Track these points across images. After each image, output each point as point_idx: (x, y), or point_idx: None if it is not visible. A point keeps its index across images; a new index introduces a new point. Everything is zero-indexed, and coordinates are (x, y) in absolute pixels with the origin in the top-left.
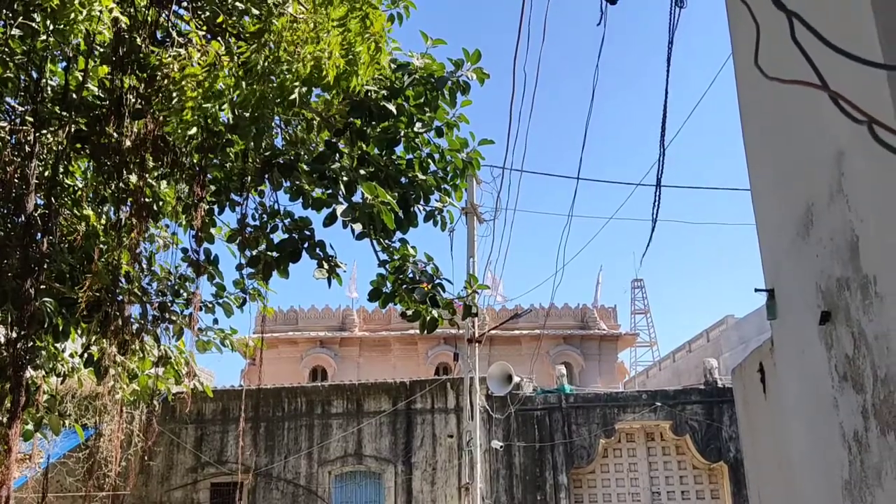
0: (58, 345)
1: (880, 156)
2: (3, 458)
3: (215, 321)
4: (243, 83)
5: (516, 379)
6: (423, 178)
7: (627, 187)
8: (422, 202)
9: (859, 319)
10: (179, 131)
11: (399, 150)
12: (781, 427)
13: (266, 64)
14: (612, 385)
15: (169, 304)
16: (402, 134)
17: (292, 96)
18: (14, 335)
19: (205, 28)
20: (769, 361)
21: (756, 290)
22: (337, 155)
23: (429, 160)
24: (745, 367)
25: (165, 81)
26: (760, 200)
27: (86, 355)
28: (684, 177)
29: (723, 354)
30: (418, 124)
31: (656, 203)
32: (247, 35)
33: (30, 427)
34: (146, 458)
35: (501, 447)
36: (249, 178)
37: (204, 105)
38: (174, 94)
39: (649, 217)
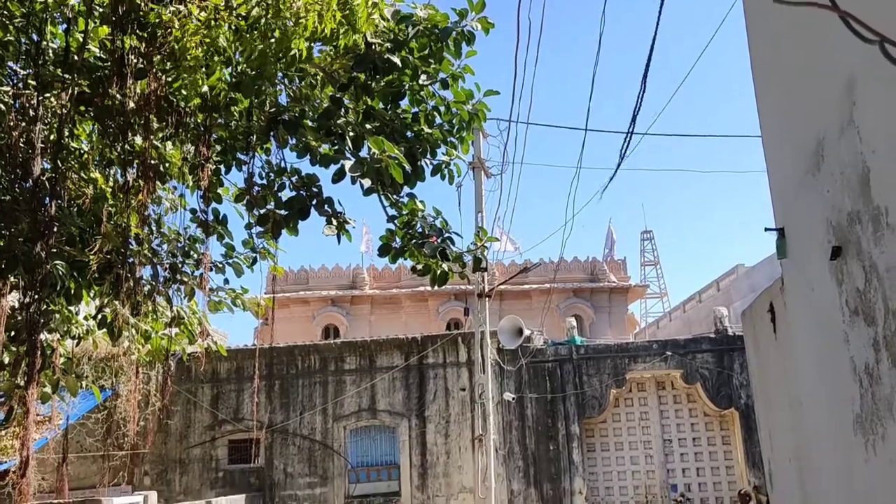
0: (71, 308)
1: (894, 79)
2: (22, 420)
3: (226, 281)
4: (246, 36)
5: (527, 332)
6: (430, 131)
7: (635, 137)
8: (428, 156)
9: (871, 252)
10: (187, 91)
11: (404, 103)
12: (791, 366)
13: (266, 19)
14: (623, 337)
15: (179, 265)
16: (406, 87)
17: (293, 52)
18: (27, 299)
19: None
20: (779, 301)
21: (766, 230)
22: (342, 110)
23: (434, 113)
24: (755, 308)
25: (168, 38)
26: (770, 139)
27: (99, 317)
28: (695, 123)
29: (733, 303)
30: (423, 77)
31: (625, 144)
32: None
33: (47, 389)
34: (163, 417)
35: (513, 399)
36: (255, 136)
37: (210, 62)
38: (178, 52)
39: (658, 167)
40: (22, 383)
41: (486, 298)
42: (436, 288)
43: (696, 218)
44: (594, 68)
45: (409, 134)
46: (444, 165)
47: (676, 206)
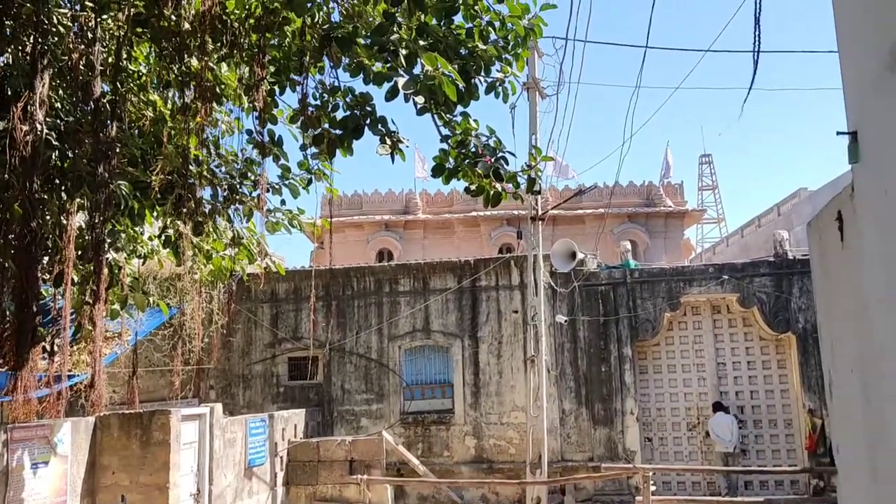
0: (136, 228)
1: None
2: (89, 335)
3: (283, 202)
4: None
5: (580, 255)
6: (484, 47)
7: (696, 54)
8: (483, 73)
9: None
10: (240, 10)
11: (458, 19)
12: (859, 275)
13: None
14: (678, 262)
15: (237, 186)
16: (460, 1)
17: None
18: (93, 219)
19: None
20: (848, 208)
21: (838, 133)
22: (395, 26)
23: (489, 28)
24: (821, 217)
25: None
26: (844, 35)
27: (163, 237)
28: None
29: (794, 228)
30: None
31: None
32: None
33: (115, 307)
34: (226, 334)
35: (566, 321)
36: (308, 55)
37: None
38: None
39: (719, 86)
40: (90, 300)
41: (540, 222)
42: (489, 210)
43: (756, 141)
44: None
45: (462, 51)
46: (498, 83)
47: (737, 129)
